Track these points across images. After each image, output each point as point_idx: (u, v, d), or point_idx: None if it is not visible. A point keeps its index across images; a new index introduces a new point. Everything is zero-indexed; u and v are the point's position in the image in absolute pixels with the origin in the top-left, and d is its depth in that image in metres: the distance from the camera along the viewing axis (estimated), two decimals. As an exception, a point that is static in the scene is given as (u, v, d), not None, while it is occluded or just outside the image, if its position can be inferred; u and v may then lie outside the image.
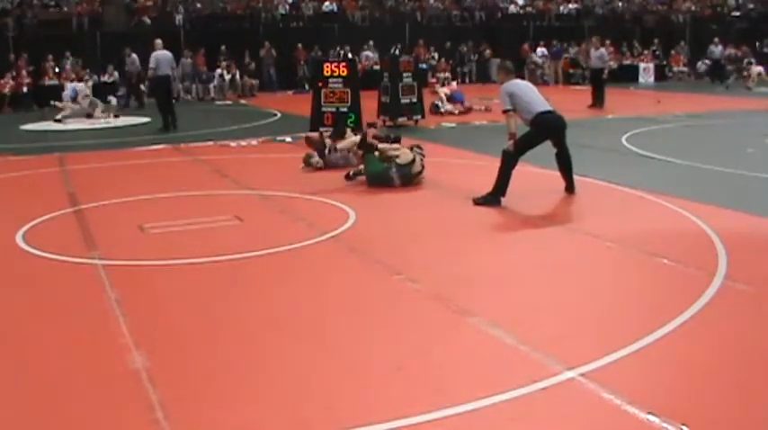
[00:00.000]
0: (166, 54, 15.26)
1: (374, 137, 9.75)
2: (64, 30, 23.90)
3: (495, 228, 7.11)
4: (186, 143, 12.99)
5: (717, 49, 27.06)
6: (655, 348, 4.14)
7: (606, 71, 18.59)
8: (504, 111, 7.87)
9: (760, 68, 24.58)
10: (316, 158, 10.11)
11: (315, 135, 10.92)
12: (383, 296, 5.19)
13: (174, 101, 16.16)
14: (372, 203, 8.09)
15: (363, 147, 9.41)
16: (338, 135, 10.61)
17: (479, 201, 7.71)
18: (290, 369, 3.99)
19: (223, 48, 24.09)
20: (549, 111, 7.89)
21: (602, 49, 18.77)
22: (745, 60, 26.23)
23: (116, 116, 17.76)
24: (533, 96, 7.93)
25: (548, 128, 7.89)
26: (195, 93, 23.40)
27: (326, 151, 10.12)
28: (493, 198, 7.69)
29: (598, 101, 18.06)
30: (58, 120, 16.82)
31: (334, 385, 3.79)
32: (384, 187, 8.63)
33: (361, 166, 9.19)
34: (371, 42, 26.08)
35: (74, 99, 18.07)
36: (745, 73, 24.98)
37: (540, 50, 27.28)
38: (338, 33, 26.30)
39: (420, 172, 8.84)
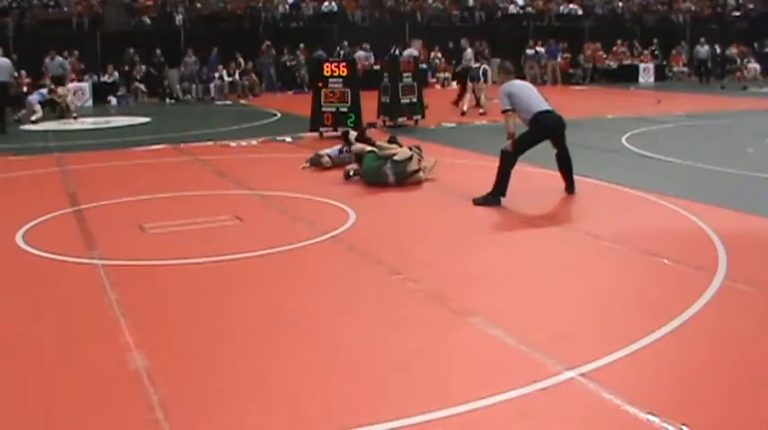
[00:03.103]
0: (6, 61, 15.80)
1: (390, 140, 9.69)
2: (64, 30, 23.91)
3: (495, 228, 7.11)
4: (186, 143, 12.99)
5: (703, 49, 27.00)
6: (655, 348, 4.14)
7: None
8: (504, 112, 7.89)
9: (756, 65, 24.66)
10: (326, 158, 10.10)
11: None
12: (383, 296, 5.18)
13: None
14: (372, 203, 8.09)
15: (362, 141, 9.40)
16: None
17: (479, 202, 7.71)
18: (289, 369, 3.99)
19: (239, 57, 24.11)
20: (547, 111, 7.90)
21: (414, 50, 18.38)
22: (745, 60, 26.23)
23: (75, 118, 17.54)
24: (532, 96, 7.95)
25: (546, 128, 7.89)
26: (195, 93, 23.40)
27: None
28: (493, 198, 7.69)
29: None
30: (34, 122, 16.77)
31: (334, 385, 3.79)
32: (382, 186, 8.63)
33: (355, 166, 9.20)
34: (353, 44, 26.03)
35: (41, 103, 17.65)
36: (738, 73, 25.05)
37: (540, 50, 27.26)
38: (338, 33, 26.30)
39: (416, 171, 8.82)
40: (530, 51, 26.48)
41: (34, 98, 17.66)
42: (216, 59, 23.85)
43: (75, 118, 17.48)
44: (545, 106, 7.92)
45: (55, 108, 17.84)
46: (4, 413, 3.59)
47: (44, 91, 18.05)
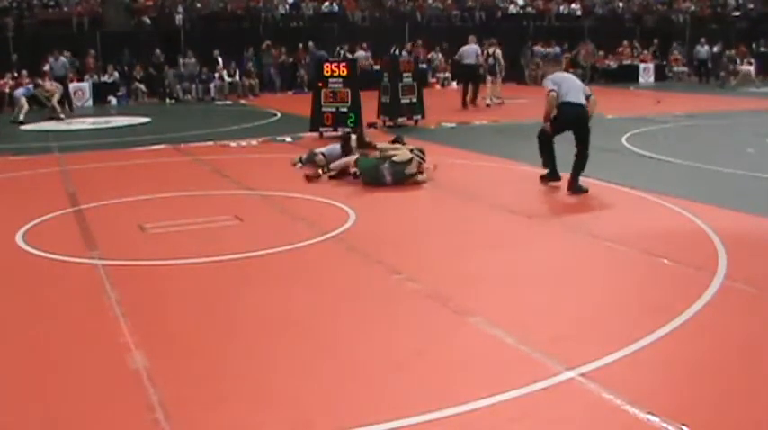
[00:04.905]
0: None
1: (395, 140, 9.66)
2: (64, 30, 23.90)
3: (495, 228, 7.11)
4: (186, 143, 12.99)
5: (703, 49, 26.97)
6: (655, 348, 4.14)
7: (482, 69, 18.16)
8: (548, 92, 8.30)
9: (748, 68, 24.67)
10: (320, 156, 10.07)
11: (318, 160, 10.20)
12: (383, 296, 5.18)
13: None
14: (372, 203, 8.09)
15: (362, 146, 9.38)
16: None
17: (546, 179, 8.51)
18: (290, 369, 3.99)
19: (249, 52, 24.23)
20: (571, 104, 8.18)
21: (476, 45, 18.29)
22: (745, 60, 26.22)
23: (61, 118, 17.42)
24: (571, 87, 8.34)
25: (566, 118, 8.24)
26: (195, 93, 23.39)
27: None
28: (551, 176, 8.46)
29: (471, 99, 18.02)
30: (21, 122, 16.68)
31: (334, 385, 3.79)
32: (381, 186, 8.62)
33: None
34: (354, 44, 26.03)
35: (27, 98, 17.45)
36: (726, 74, 25.07)
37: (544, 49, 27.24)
38: (338, 33, 26.29)
39: (415, 174, 8.81)
40: (542, 52, 26.45)
41: (20, 92, 17.66)
42: (248, 58, 24.02)
43: (60, 118, 17.31)
44: (574, 98, 8.24)
45: (58, 107, 17.77)
46: (4, 413, 3.59)
47: (30, 86, 18.01)
